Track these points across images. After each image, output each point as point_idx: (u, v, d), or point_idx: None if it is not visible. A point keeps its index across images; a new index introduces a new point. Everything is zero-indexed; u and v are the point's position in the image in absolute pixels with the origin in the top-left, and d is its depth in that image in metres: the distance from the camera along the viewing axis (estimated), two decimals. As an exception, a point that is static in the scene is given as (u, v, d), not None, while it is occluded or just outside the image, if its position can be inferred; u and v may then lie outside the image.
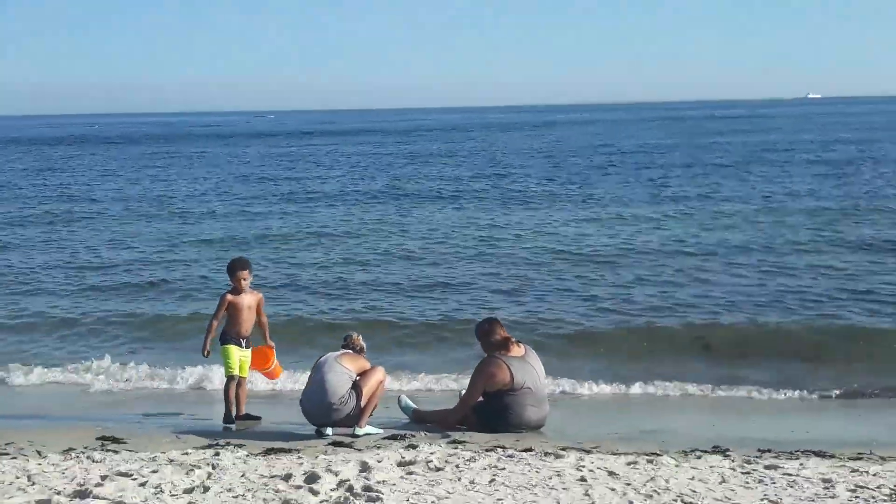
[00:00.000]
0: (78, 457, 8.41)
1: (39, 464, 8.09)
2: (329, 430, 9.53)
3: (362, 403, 9.53)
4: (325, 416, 9.53)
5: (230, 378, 10.28)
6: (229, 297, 10.35)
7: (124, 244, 24.93)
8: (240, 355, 10.33)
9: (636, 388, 11.95)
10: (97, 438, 9.44)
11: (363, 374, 9.72)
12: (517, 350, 9.90)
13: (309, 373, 9.98)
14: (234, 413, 10.27)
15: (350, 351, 9.92)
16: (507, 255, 21.65)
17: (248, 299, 10.39)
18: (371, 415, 9.66)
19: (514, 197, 33.55)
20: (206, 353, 10.44)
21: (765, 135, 73.39)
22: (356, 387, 9.56)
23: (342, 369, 9.63)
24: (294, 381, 12.06)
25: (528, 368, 9.80)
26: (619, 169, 44.59)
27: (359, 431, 9.49)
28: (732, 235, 23.29)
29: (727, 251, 21.16)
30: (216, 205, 33.75)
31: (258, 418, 10.41)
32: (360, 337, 10.21)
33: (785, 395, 11.65)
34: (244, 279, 10.37)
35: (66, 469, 7.81)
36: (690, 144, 63.75)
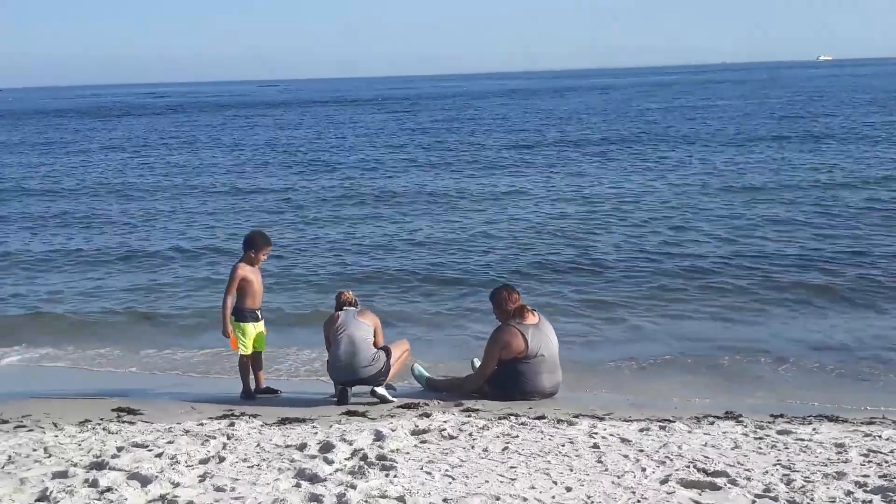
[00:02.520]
0: (94, 428, 8.48)
1: (56, 435, 8.15)
2: (350, 392, 9.77)
3: (391, 363, 9.86)
4: (355, 372, 9.73)
5: (243, 356, 10.22)
6: (243, 270, 10.08)
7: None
8: (256, 331, 10.23)
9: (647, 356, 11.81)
10: (113, 410, 9.50)
11: (393, 343, 10.14)
12: (531, 318, 9.91)
13: (325, 334, 10.03)
14: (252, 388, 10.26)
15: (355, 308, 10.04)
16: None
17: (258, 272, 10.26)
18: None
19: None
20: (228, 333, 10.09)
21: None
22: (386, 350, 9.90)
23: (364, 326, 9.90)
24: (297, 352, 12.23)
25: (542, 336, 9.82)
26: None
27: (379, 390, 9.69)
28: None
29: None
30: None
31: (277, 392, 10.33)
32: (350, 291, 10.34)
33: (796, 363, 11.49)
34: (266, 255, 10.30)
35: (82, 441, 7.88)
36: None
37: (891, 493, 6.04)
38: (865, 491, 6.14)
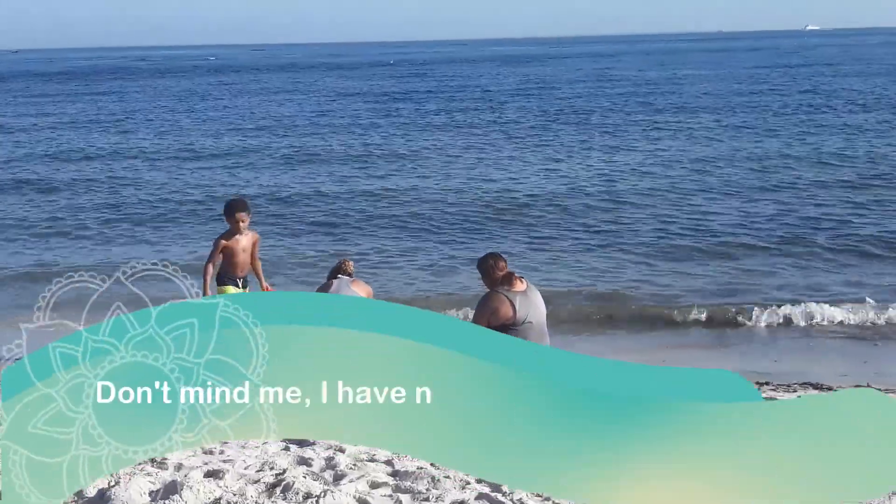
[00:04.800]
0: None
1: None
2: None
3: None
4: None
5: None
6: (223, 240, 10.14)
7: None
8: None
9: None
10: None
11: None
12: (519, 285, 9.90)
13: None
14: None
15: (350, 277, 10.02)
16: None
17: (244, 241, 10.21)
18: None
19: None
20: None
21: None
22: None
23: (357, 294, 9.79)
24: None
25: (530, 303, 9.81)
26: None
27: None
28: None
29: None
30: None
31: None
32: (351, 262, 10.31)
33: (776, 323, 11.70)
34: (243, 221, 10.24)
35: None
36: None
37: (874, 460, 6.09)
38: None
